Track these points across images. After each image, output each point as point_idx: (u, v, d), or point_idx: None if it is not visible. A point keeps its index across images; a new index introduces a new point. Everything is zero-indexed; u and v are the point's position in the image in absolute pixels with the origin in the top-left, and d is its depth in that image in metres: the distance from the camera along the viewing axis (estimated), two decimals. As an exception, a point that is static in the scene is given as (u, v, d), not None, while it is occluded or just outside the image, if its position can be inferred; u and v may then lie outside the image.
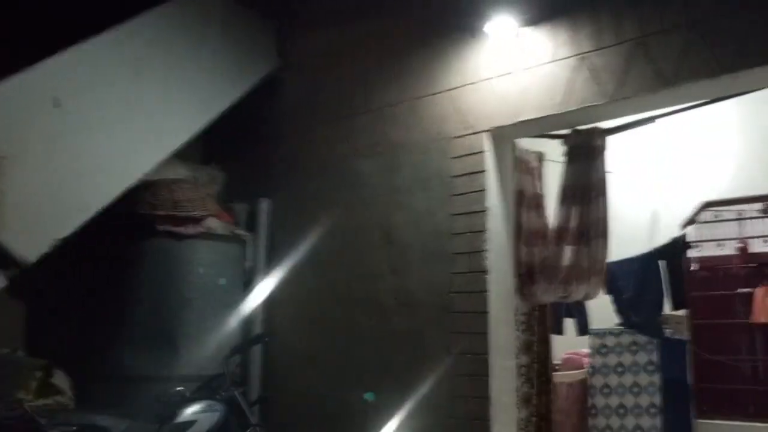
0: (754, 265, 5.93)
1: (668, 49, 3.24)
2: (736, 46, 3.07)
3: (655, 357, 5.13)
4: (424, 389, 3.83)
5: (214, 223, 4.63)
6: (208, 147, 5.23)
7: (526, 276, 3.96)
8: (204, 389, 3.72)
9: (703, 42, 3.15)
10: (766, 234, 5.92)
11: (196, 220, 4.52)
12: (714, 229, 6.17)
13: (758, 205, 5.93)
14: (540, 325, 4.23)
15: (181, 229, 4.44)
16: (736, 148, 5.98)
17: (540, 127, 3.88)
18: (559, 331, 5.24)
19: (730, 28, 3.10)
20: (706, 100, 3.81)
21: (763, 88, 3.53)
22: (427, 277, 3.98)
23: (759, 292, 5.77)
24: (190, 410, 3.49)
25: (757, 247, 5.95)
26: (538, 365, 4.17)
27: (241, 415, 3.59)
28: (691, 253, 6.03)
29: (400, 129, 4.27)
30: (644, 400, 5.09)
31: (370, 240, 4.29)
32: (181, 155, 4.49)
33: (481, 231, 3.77)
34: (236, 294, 4.73)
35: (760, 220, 5.97)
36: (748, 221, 6.02)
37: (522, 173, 4.11)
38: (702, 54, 3.15)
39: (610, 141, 3.95)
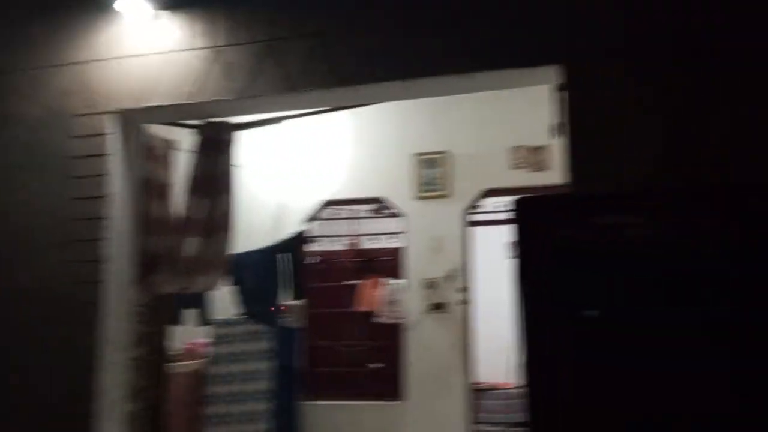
0: (362, 259, 6.66)
1: (295, 55, 3.39)
2: (355, 61, 3.33)
3: (270, 345, 5.40)
4: (35, 389, 3.50)
5: None
6: None
7: (147, 266, 3.85)
8: None
9: (326, 53, 3.36)
10: (373, 232, 6.70)
11: None
12: (331, 226, 6.78)
13: (368, 206, 6.67)
14: (159, 316, 4.15)
15: None
16: (352, 155, 6.57)
17: (171, 115, 3.80)
18: (180, 321, 5.20)
19: (352, 43, 3.33)
20: (329, 108, 4.15)
21: (378, 102, 3.97)
22: (40, 267, 3.61)
23: (364, 283, 6.50)
24: None
25: (365, 244, 6.70)
26: (154, 357, 4.09)
27: None
28: (311, 247, 6.55)
29: (14, 100, 3.81)
30: (257, 387, 5.32)
31: (-29, 222, 3.76)
32: None
33: (101, 218, 3.55)
34: None
35: (370, 220, 6.73)
36: (360, 220, 6.74)
37: (150, 160, 3.98)
38: (324, 64, 3.34)
39: (242, 135, 4.05)
